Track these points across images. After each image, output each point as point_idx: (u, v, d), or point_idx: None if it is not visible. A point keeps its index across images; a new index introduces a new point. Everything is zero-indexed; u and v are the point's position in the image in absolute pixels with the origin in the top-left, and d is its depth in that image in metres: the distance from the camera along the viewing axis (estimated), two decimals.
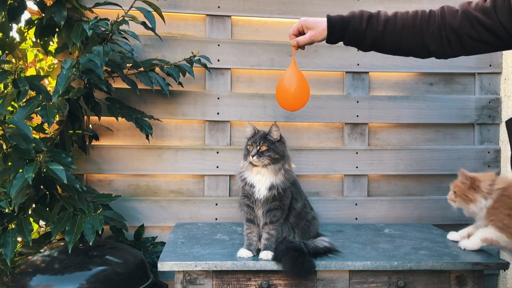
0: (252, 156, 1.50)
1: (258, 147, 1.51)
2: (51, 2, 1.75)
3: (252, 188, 1.52)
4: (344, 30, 1.42)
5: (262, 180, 1.52)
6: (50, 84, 2.30)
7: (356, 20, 1.41)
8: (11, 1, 1.71)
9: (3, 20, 1.74)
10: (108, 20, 1.68)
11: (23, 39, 2.06)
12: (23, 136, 1.50)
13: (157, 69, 1.89)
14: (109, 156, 2.02)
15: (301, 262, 1.44)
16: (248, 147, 1.54)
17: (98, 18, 1.65)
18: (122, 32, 1.74)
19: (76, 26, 1.68)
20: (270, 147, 1.51)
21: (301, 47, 1.53)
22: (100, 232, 1.58)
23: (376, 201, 2.14)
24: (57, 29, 1.86)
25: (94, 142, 2.00)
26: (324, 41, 1.48)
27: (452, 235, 1.79)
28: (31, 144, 1.49)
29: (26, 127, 1.50)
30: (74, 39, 1.65)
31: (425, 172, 2.15)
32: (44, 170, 1.51)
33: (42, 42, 1.90)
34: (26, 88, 1.58)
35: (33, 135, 1.99)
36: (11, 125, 1.53)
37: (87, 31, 1.59)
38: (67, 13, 1.70)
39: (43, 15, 1.76)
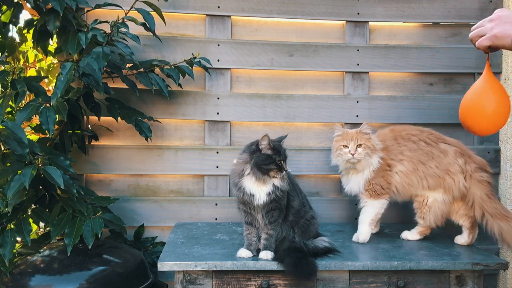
0: (286, 171, 1.51)
1: (285, 161, 1.52)
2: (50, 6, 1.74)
3: (252, 196, 1.50)
4: None
5: (264, 187, 1.49)
6: (51, 83, 2.30)
7: None
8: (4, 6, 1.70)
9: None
10: (108, 22, 1.67)
11: (24, 40, 2.05)
12: (18, 141, 1.47)
13: (157, 70, 1.89)
14: (108, 156, 2.02)
15: (304, 264, 1.44)
16: (278, 162, 1.48)
17: (98, 21, 1.64)
18: (121, 34, 1.73)
19: (72, 36, 1.66)
20: (286, 156, 1.54)
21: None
22: (99, 236, 1.58)
23: None
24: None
25: (93, 142, 2.00)
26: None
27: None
28: (25, 150, 1.47)
29: (20, 131, 1.47)
30: (70, 50, 1.64)
31: None
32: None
33: (41, 44, 1.89)
34: (24, 89, 1.57)
35: (33, 136, 1.99)
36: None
37: (83, 45, 1.58)
38: (60, 22, 1.68)
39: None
